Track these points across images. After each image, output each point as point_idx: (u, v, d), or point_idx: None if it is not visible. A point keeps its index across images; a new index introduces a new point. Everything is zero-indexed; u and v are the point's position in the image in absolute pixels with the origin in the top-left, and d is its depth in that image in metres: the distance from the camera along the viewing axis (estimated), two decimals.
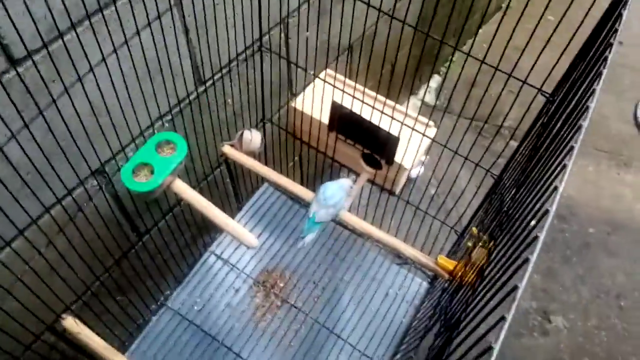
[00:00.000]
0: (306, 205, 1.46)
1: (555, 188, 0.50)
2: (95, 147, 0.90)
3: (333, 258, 1.35)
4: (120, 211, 1.10)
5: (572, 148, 0.53)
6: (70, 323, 0.92)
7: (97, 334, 1.17)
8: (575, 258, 1.97)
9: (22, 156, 0.79)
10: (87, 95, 0.82)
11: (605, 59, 0.57)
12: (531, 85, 0.80)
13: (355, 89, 1.11)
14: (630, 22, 2.80)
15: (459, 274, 0.95)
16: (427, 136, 0.99)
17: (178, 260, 1.34)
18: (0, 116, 0.72)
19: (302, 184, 1.13)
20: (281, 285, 1.31)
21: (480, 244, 0.88)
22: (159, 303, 1.27)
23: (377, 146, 1.06)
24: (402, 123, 0.97)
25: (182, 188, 0.94)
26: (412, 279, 1.33)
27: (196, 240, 1.38)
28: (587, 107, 0.55)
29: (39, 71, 0.75)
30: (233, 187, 1.45)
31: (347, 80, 1.17)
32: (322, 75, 1.13)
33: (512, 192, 0.74)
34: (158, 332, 1.21)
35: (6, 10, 0.65)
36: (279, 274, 1.33)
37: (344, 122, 1.07)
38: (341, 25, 0.98)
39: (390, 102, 1.12)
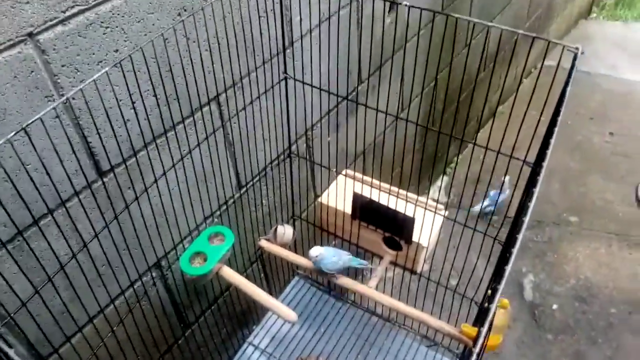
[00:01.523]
0: (335, 296, 1.58)
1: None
2: (154, 244, 1.06)
3: (363, 344, 1.42)
4: (171, 303, 1.23)
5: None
6: None
7: None
8: (600, 339, 1.99)
9: (100, 252, 0.94)
10: (149, 201, 1.00)
11: (555, 122, 0.73)
12: (516, 159, 0.94)
13: (372, 183, 1.29)
14: (619, 115, 3.05)
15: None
16: (439, 213, 1.14)
17: (221, 351, 1.43)
18: (89, 218, 0.89)
19: None
20: None
21: (498, 304, 0.98)
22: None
23: (396, 228, 1.21)
24: (414, 204, 1.13)
25: (230, 273, 1.08)
26: (441, 359, 1.39)
27: (236, 332, 1.48)
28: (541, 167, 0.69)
29: (117, 181, 0.94)
30: (267, 281, 1.57)
31: (366, 178, 1.35)
32: (343, 172, 1.31)
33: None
34: None
35: (98, 132, 0.85)
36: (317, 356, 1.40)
37: (365, 209, 1.23)
38: (351, 134, 1.18)
39: (403, 192, 1.29)
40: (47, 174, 0.80)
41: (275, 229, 1.31)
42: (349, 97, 1.08)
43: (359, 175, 1.36)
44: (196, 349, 1.37)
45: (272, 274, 1.56)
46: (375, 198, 1.18)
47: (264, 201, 1.37)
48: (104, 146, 0.88)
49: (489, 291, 1.03)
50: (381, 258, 1.32)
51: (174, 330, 1.26)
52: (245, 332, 1.52)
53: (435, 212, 1.13)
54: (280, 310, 1.04)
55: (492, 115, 2.91)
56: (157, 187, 1.01)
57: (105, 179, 0.93)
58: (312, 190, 1.50)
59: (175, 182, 1.06)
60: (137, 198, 0.96)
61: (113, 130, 0.88)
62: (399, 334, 1.44)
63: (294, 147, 1.36)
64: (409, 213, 1.15)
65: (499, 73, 2.51)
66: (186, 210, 1.10)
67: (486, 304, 1.03)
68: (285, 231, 1.31)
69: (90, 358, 0.98)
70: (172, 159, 1.04)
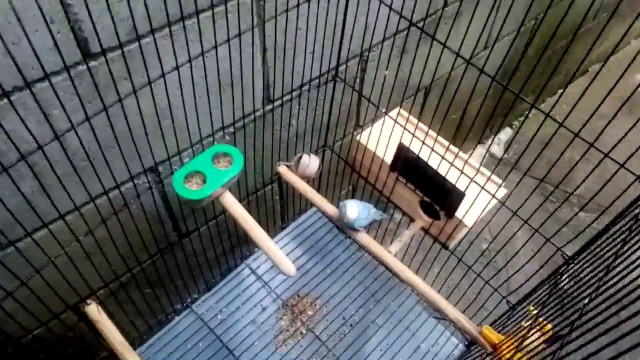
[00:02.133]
0: (350, 237, 1.42)
1: None
2: (153, 146, 0.90)
3: (368, 298, 1.29)
4: (167, 210, 1.10)
5: None
6: (93, 310, 0.92)
7: (118, 322, 1.18)
8: None
9: (79, 146, 0.79)
10: (153, 98, 0.82)
11: None
12: (613, 160, 0.72)
13: (427, 134, 1.05)
14: None
15: (505, 352, 0.87)
16: (496, 198, 0.92)
17: (212, 266, 1.33)
18: (63, 106, 0.72)
19: None
20: (310, 313, 1.27)
21: (537, 327, 0.80)
22: (184, 304, 1.26)
23: (439, 197, 1.00)
24: (471, 179, 0.91)
25: (231, 202, 0.92)
26: (448, 338, 1.25)
27: (234, 250, 1.37)
28: None
29: (110, 69, 0.75)
30: (281, 206, 1.42)
31: (420, 124, 1.11)
32: (393, 113, 1.08)
33: (593, 284, 0.66)
34: (177, 333, 1.20)
35: (87, 6, 0.65)
36: (310, 301, 1.29)
37: (408, 165, 1.02)
38: (415, 67, 0.93)
39: (462, 155, 1.06)
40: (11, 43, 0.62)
41: (300, 158, 1.13)
42: (423, 25, 0.83)
43: (412, 119, 1.13)
44: (190, 257, 1.27)
45: (288, 199, 1.40)
46: (423, 156, 0.96)
47: (292, 122, 1.16)
48: (93, 23, 0.68)
49: (531, 307, 0.85)
50: (411, 220, 1.13)
51: (168, 236, 1.15)
52: (245, 252, 1.41)
53: (493, 196, 0.90)
54: (278, 259, 0.89)
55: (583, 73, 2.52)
56: (165, 82, 0.82)
57: (92, 63, 0.74)
58: (353, 123, 1.28)
59: (189, 82, 0.87)
60: (135, 92, 0.78)
61: (108, 3, 0.67)
62: (409, 298, 1.29)
63: (342, 69, 1.12)
64: (461, 185, 0.93)
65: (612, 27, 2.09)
66: (199, 117, 0.92)
67: (522, 320, 0.85)
68: (310, 162, 1.13)
69: (59, 256, 0.86)
70: (189, 53, 0.84)
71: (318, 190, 1.38)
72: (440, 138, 1.10)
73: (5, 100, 0.69)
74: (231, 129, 1.03)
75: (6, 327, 0.86)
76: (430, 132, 1.11)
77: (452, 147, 1.06)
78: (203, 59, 0.82)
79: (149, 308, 1.24)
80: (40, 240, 0.87)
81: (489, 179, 1.02)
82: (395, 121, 0.98)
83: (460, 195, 0.94)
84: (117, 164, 0.88)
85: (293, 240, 1.37)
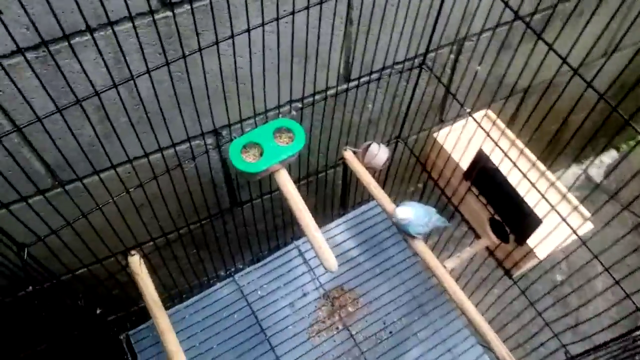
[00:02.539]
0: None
1: None
2: (214, 110, 0.86)
3: (415, 308, 1.20)
4: (224, 177, 1.07)
5: None
6: (135, 262, 0.91)
7: (160, 276, 1.18)
8: None
9: (141, 99, 0.76)
10: (219, 58, 0.76)
11: None
12: None
13: (513, 143, 0.93)
14: None
15: None
16: (577, 234, 0.79)
17: (261, 240, 1.30)
18: (142, 49, 0.69)
19: None
20: (350, 309, 1.21)
21: None
22: (228, 272, 1.24)
23: (513, 218, 0.88)
24: (552, 207, 0.78)
25: (284, 181, 0.87)
26: None
27: (286, 228, 1.32)
28: None
29: (176, 23, 0.71)
30: (343, 192, 1.35)
31: (507, 131, 0.99)
32: (479, 114, 0.96)
33: None
34: (215, 299, 1.19)
35: None
36: (353, 297, 1.22)
37: (484, 176, 0.91)
38: (512, 66, 0.81)
39: (550, 175, 0.93)
40: None
41: (369, 146, 1.05)
42: (530, 21, 0.71)
43: (499, 124, 1.00)
44: (241, 227, 1.24)
45: (351, 186, 1.32)
46: (503, 169, 0.84)
47: (368, 106, 1.08)
48: None
49: None
50: (476, 237, 1.02)
51: (221, 202, 1.13)
52: (297, 232, 1.36)
53: (574, 232, 0.77)
54: (321, 251, 0.83)
55: None
56: (234, 43, 0.77)
57: (162, 15, 0.70)
58: (434, 119, 1.17)
59: (259, 47, 0.81)
60: (200, 50, 0.74)
61: None
62: (458, 319, 1.19)
63: (430, 56, 1.01)
64: (539, 211, 0.81)
65: None
66: (267, 87, 0.86)
67: None
68: (379, 152, 1.04)
69: (107, 203, 0.86)
70: (263, 16, 0.78)
71: (383, 184, 1.30)
72: (527, 151, 0.98)
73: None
74: (299, 104, 0.97)
75: (48, 264, 0.88)
76: (518, 142, 0.98)
77: (539, 164, 0.93)
78: (277, 25, 0.76)
79: (192, 269, 1.24)
80: (91, 185, 0.87)
81: (575, 208, 0.88)
82: (479, 125, 0.87)
83: (537, 222, 0.81)
84: (176, 122, 0.85)
85: (348, 230, 1.30)
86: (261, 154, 0.85)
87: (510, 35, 1.05)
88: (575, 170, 2.08)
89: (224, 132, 0.94)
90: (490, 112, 1.04)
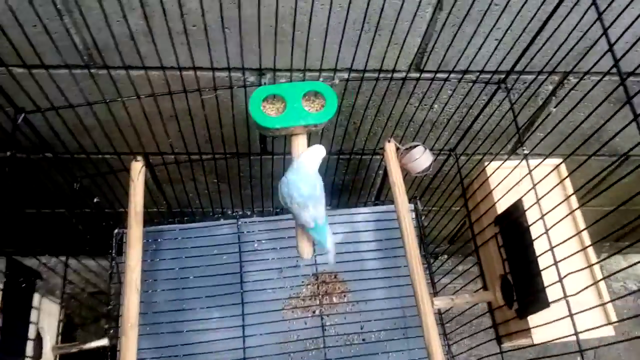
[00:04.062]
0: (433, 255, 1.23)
1: None
2: (263, 48, 0.79)
3: (400, 327, 1.12)
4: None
5: None
6: (136, 168, 0.90)
7: (164, 193, 1.18)
8: None
9: (196, 8, 0.72)
10: None
11: None
12: None
13: (571, 210, 0.80)
14: None
15: None
16: (577, 338, 0.66)
17: None
18: None
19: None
20: (334, 300, 1.15)
21: None
22: (234, 213, 1.22)
23: (523, 287, 0.77)
24: (565, 297, 0.66)
25: (297, 148, 0.80)
26: None
27: None
28: None
29: None
30: (382, 182, 1.27)
31: (571, 192, 0.85)
32: (549, 161, 0.82)
33: None
34: (211, 234, 1.17)
35: None
36: (343, 290, 1.16)
37: (513, 231, 0.79)
38: (614, 121, 0.67)
39: (592, 259, 0.79)
40: None
41: (413, 147, 0.95)
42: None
43: (567, 185, 0.87)
44: (266, 177, 1.20)
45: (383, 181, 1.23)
46: (534, 232, 0.73)
47: (435, 106, 0.97)
48: None
49: None
50: (483, 287, 0.91)
51: (252, 144, 1.08)
52: None
53: (575, 333, 0.65)
54: (301, 237, 0.77)
55: None
56: None
57: None
58: (496, 146, 1.04)
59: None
60: None
61: None
62: None
63: (514, 77, 0.88)
64: (552, 294, 0.69)
65: None
66: (326, 44, 0.79)
67: None
68: (422, 157, 0.95)
69: (131, 97, 0.84)
70: None
71: (423, 191, 1.20)
72: (580, 221, 0.84)
73: None
74: (358, 75, 0.88)
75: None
76: (578, 215, 0.84)
77: (586, 241, 0.80)
78: None
79: (208, 196, 1.23)
80: (119, 77, 0.85)
81: (603, 304, 0.75)
82: (529, 172, 0.75)
83: (543, 304, 0.70)
84: (219, 47, 0.80)
85: (368, 223, 1.22)
86: (283, 110, 0.79)
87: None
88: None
89: (268, 75, 0.88)
90: (563, 167, 0.90)
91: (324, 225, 0.78)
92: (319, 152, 0.76)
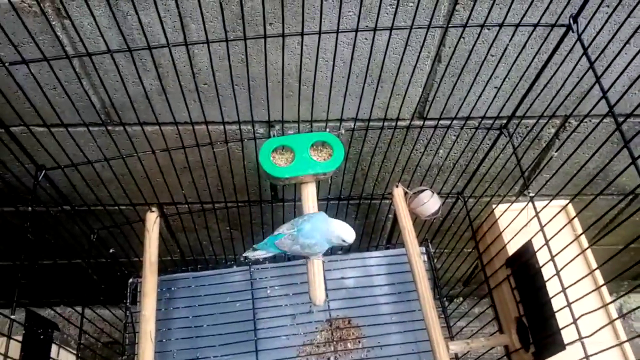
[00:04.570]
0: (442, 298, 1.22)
1: None
2: (271, 102, 0.83)
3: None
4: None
5: None
6: (151, 218, 0.93)
7: (178, 241, 1.20)
8: None
9: (206, 67, 0.77)
10: (283, 52, 0.73)
11: None
12: None
13: (582, 251, 0.80)
14: None
15: None
16: None
17: None
18: (204, 19, 0.68)
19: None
20: (349, 346, 1.14)
21: None
22: (246, 260, 1.23)
23: (539, 329, 0.76)
24: (580, 338, 0.66)
25: (307, 196, 0.83)
26: None
27: None
28: None
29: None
30: (392, 226, 1.28)
31: (580, 233, 0.86)
32: (556, 202, 0.83)
33: None
34: (224, 281, 1.18)
35: None
36: (357, 336, 1.15)
37: (525, 272, 0.79)
38: (615, 163, 0.68)
39: (606, 299, 0.79)
40: None
41: (421, 192, 0.97)
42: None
43: (576, 225, 0.87)
44: (278, 223, 1.22)
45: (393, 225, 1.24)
46: (547, 274, 0.73)
47: (440, 152, 1.00)
48: None
49: None
50: (499, 331, 0.90)
51: (263, 192, 1.11)
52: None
53: None
54: (313, 281, 0.78)
55: None
56: (302, 41, 0.74)
57: None
58: (502, 189, 1.05)
59: (330, 55, 0.77)
60: (265, 37, 0.71)
61: None
62: None
63: (515, 122, 0.90)
64: (568, 336, 0.69)
65: None
66: (331, 97, 0.82)
67: None
68: (429, 202, 0.96)
69: (146, 152, 0.87)
70: (339, 23, 0.74)
71: (434, 235, 1.21)
72: (592, 261, 0.84)
73: None
74: (363, 124, 0.91)
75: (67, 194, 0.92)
76: (589, 255, 0.84)
77: (599, 280, 0.80)
78: (355, 37, 0.71)
79: (221, 243, 1.25)
80: (134, 134, 0.89)
81: (619, 344, 0.74)
82: (536, 214, 0.76)
83: (559, 346, 0.69)
84: (229, 102, 0.84)
85: (381, 267, 1.22)
86: (292, 161, 0.82)
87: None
88: None
89: (277, 127, 0.91)
90: (570, 207, 0.91)
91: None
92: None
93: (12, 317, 0.66)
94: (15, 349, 0.67)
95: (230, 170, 0.98)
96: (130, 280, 1.16)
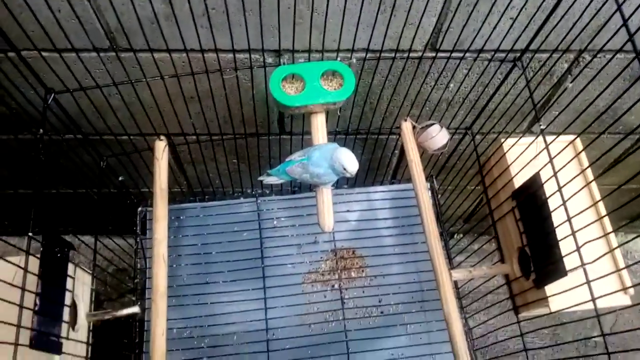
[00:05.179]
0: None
1: None
2: (282, 29, 0.82)
3: (417, 300, 1.15)
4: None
5: None
6: (160, 147, 0.93)
7: (186, 172, 1.21)
8: None
9: None
10: None
11: None
12: None
13: (588, 184, 0.81)
14: None
15: None
16: (595, 304, 0.69)
17: None
18: None
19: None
20: (353, 275, 1.18)
21: None
22: (253, 192, 1.25)
23: (541, 258, 0.79)
24: (582, 264, 0.69)
25: (316, 126, 0.83)
26: None
27: None
28: None
29: None
30: (398, 161, 1.29)
31: (588, 168, 0.87)
32: (564, 137, 0.84)
33: None
34: (231, 212, 1.21)
35: None
36: (361, 265, 1.19)
37: (531, 204, 0.81)
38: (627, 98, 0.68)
39: (608, 228, 0.81)
40: None
41: (429, 125, 0.97)
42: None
43: (582, 158, 0.88)
44: (284, 155, 1.23)
45: (399, 161, 1.25)
46: (553, 205, 0.75)
47: (451, 85, 0.99)
48: None
49: None
50: (501, 260, 0.93)
51: (271, 125, 1.11)
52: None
53: (592, 300, 0.67)
54: (322, 209, 0.80)
55: None
56: None
57: None
58: (512, 124, 1.04)
59: None
60: None
61: None
62: None
63: (529, 56, 0.89)
64: (570, 263, 0.71)
65: None
66: (344, 25, 0.80)
67: None
68: (438, 136, 0.96)
69: (155, 78, 0.87)
70: None
71: (439, 170, 1.22)
72: (596, 193, 0.86)
73: None
74: (374, 55, 0.89)
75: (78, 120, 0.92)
76: (594, 187, 0.86)
77: (602, 212, 0.82)
78: None
79: (229, 175, 1.26)
80: (143, 60, 0.88)
81: (618, 270, 0.77)
82: (546, 147, 0.77)
83: (561, 272, 0.72)
84: (239, 29, 0.83)
85: (385, 201, 1.24)
86: (302, 89, 0.81)
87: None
88: None
89: (287, 56, 0.90)
90: (578, 141, 0.91)
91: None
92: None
93: (30, 234, 0.68)
94: (34, 266, 0.70)
95: (240, 100, 0.98)
96: (140, 209, 1.18)
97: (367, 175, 1.34)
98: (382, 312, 1.15)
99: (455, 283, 1.16)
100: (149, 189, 1.20)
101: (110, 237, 1.08)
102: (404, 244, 1.19)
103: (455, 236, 1.66)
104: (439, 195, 1.28)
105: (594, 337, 0.72)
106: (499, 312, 0.96)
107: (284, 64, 0.86)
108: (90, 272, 0.88)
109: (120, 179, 1.09)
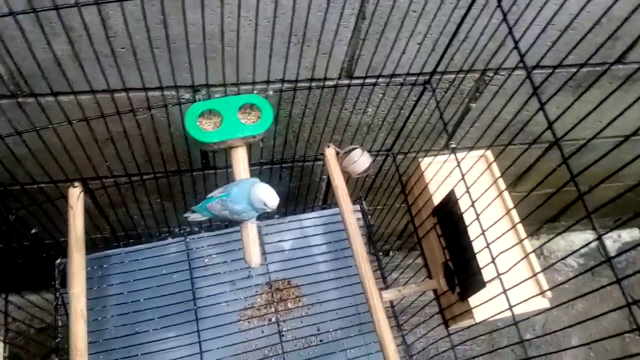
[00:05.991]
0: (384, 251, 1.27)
1: None
2: (194, 65, 0.81)
3: (355, 324, 1.15)
4: None
5: None
6: (74, 194, 0.88)
7: (107, 216, 1.15)
8: None
9: (122, 30, 0.72)
10: (203, 11, 0.71)
11: None
12: None
13: (500, 194, 0.85)
14: None
15: None
16: (512, 311, 0.72)
17: None
18: None
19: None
20: (290, 305, 1.17)
21: None
22: (181, 231, 1.21)
23: (463, 271, 0.82)
24: (498, 275, 0.72)
25: (237, 160, 0.82)
26: None
27: None
28: None
29: None
30: (327, 187, 1.30)
31: (500, 178, 0.91)
32: (475, 152, 0.88)
33: None
34: (159, 254, 1.16)
35: None
36: (297, 295, 1.18)
37: (449, 220, 0.84)
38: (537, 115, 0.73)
39: (521, 234, 0.85)
40: None
41: (352, 150, 0.99)
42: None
43: (494, 169, 0.93)
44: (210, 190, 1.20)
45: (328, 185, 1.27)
46: (468, 219, 0.78)
47: (368, 110, 1.01)
48: None
49: None
50: (429, 276, 0.96)
51: (193, 160, 1.08)
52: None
53: (509, 309, 0.70)
54: (248, 244, 0.79)
55: None
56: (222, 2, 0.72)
57: None
58: (428, 143, 1.09)
59: (252, 13, 0.75)
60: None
61: None
62: None
63: (438, 78, 0.93)
64: (488, 274, 0.74)
65: None
66: (256, 59, 0.81)
67: None
68: (360, 160, 0.98)
69: (62, 124, 0.82)
70: None
71: (367, 192, 1.24)
72: (509, 202, 0.90)
73: None
74: (286, 86, 0.90)
75: None
76: (506, 196, 0.90)
77: (515, 219, 0.86)
78: None
79: (153, 216, 1.22)
80: (48, 105, 0.84)
81: (533, 276, 0.81)
82: (458, 164, 0.80)
83: (480, 284, 0.75)
84: (150, 67, 0.81)
85: (316, 227, 1.24)
86: (220, 125, 0.80)
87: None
88: (587, 236, 1.96)
89: (204, 91, 0.89)
90: (488, 153, 0.96)
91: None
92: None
93: None
94: None
95: (157, 139, 0.95)
96: (58, 261, 1.11)
97: (298, 203, 1.34)
98: (321, 341, 1.13)
99: (391, 302, 1.17)
100: (66, 239, 1.13)
101: (27, 295, 1.00)
102: (338, 269, 1.20)
103: (390, 253, 1.69)
104: (369, 216, 1.30)
105: (526, 340, 0.75)
106: (437, 323, 0.98)
107: (199, 99, 0.85)
108: (2, 339, 0.81)
109: (33, 231, 1.01)
